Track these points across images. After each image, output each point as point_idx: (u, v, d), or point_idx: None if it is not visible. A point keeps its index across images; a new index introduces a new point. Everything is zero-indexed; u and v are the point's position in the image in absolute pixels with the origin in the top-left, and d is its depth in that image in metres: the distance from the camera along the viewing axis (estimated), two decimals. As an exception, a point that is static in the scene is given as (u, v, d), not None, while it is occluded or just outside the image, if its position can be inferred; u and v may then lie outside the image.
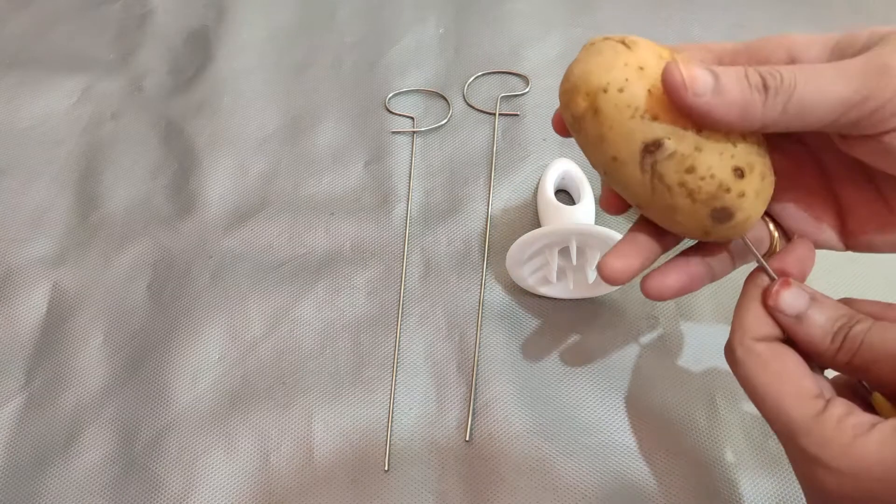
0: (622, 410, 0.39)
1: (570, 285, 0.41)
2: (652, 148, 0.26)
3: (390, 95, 0.54)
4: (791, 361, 0.27)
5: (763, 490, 0.36)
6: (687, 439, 0.37)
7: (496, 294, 0.43)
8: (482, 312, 0.42)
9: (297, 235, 0.47)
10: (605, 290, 0.42)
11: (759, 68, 0.25)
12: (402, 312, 0.43)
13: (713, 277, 0.31)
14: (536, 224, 0.46)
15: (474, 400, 0.39)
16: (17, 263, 0.46)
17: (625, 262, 0.30)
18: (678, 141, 0.26)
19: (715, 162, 0.26)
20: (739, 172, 0.26)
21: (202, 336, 0.43)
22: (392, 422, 0.39)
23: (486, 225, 0.46)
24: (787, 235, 0.31)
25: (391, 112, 0.53)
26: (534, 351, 0.41)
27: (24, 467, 0.39)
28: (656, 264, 0.31)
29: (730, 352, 0.28)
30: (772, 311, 0.28)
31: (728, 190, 0.27)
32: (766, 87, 0.25)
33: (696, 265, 0.30)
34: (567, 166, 0.46)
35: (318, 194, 0.49)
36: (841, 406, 0.26)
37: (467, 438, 0.38)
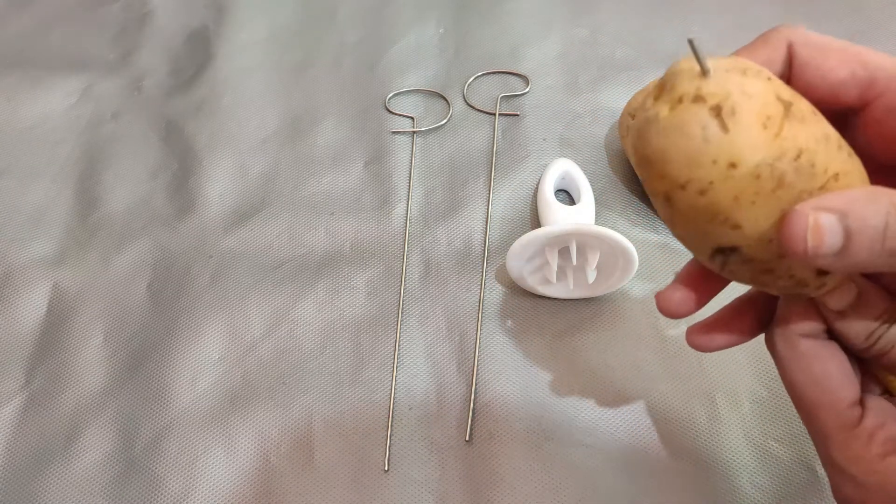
0: (622, 410, 0.39)
1: (570, 285, 0.41)
2: (727, 251, 0.23)
3: (390, 95, 0.54)
4: (834, 366, 0.25)
5: (763, 490, 0.36)
6: (687, 439, 0.37)
7: (496, 294, 0.43)
8: (482, 312, 0.42)
9: (297, 235, 0.47)
10: (605, 290, 0.42)
11: None
12: (402, 312, 0.43)
13: (763, 328, 0.28)
14: (536, 224, 0.46)
15: (474, 400, 0.39)
16: (17, 263, 0.46)
17: (683, 294, 0.27)
18: (759, 250, 0.22)
19: (797, 266, 0.22)
20: (822, 273, 0.23)
21: (202, 336, 0.43)
22: (392, 422, 0.39)
23: (486, 225, 0.46)
24: None
25: (391, 112, 0.53)
26: (534, 351, 0.41)
27: (24, 467, 0.39)
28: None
29: (771, 343, 0.26)
30: (817, 301, 0.25)
31: (806, 285, 0.23)
32: None
33: (749, 321, 0.27)
34: (567, 166, 0.46)
35: (318, 194, 0.49)
36: (875, 417, 0.25)
37: (467, 438, 0.38)
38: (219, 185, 0.49)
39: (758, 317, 0.27)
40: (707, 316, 0.28)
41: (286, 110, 0.54)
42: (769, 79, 0.21)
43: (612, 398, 0.39)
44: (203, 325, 0.43)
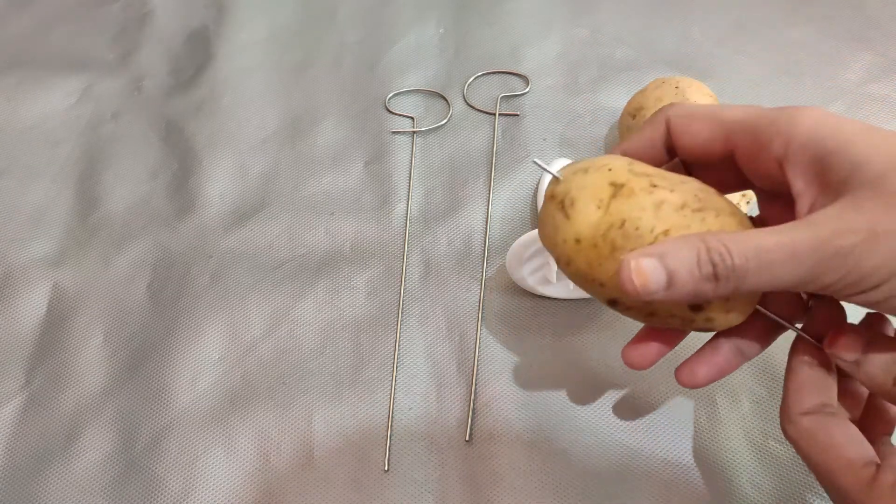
0: (622, 410, 0.39)
1: (570, 285, 0.41)
2: (612, 302, 0.29)
3: (390, 95, 0.54)
4: (838, 432, 0.28)
5: (763, 490, 0.36)
6: (687, 439, 0.37)
7: (496, 294, 0.43)
8: (482, 312, 0.42)
9: (297, 235, 0.47)
10: (604, 290, 0.42)
11: (710, 250, 0.25)
12: (402, 312, 0.43)
13: (746, 358, 0.31)
14: (536, 224, 0.46)
15: (474, 400, 0.39)
16: (17, 263, 0.46)
17: (643, 351, 0.31)
18: (630, 299, 0.28)
19: (671, 306, 0.28)
20: (696, 307, 0.27)
21: (202, 336, 0.43)
22: (392, 422, 0.39)
23: (486, 225, 0.46)
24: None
25: (391, 112, 0.53)
26: (534, 351, 0.41)
27: (24, 467, 0.39)
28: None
29: (783, 429, 0.29)
30: (832, 358, 0.28)
31: (692, 321, 0.28)
32: (716, 276, 0.25)
33: (724, 353, 0.31)
34: (567, 166, 0.47)
35: (318, 194, 0.49)
36: (892, 472, 0.26)
37: (467, 438, 0.38)
38: (219, 185, 0.49)
39: (733, 346, 0.31)
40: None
41: (286, 110, 0.54)
42: (610, 170, 0.28)
43: (612, 398, 0.39)
44: (203, 325, 0.43)
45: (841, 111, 0.51)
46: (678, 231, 0.26)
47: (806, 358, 0.30)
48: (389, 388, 0.40)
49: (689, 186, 0.28)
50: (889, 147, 0.25)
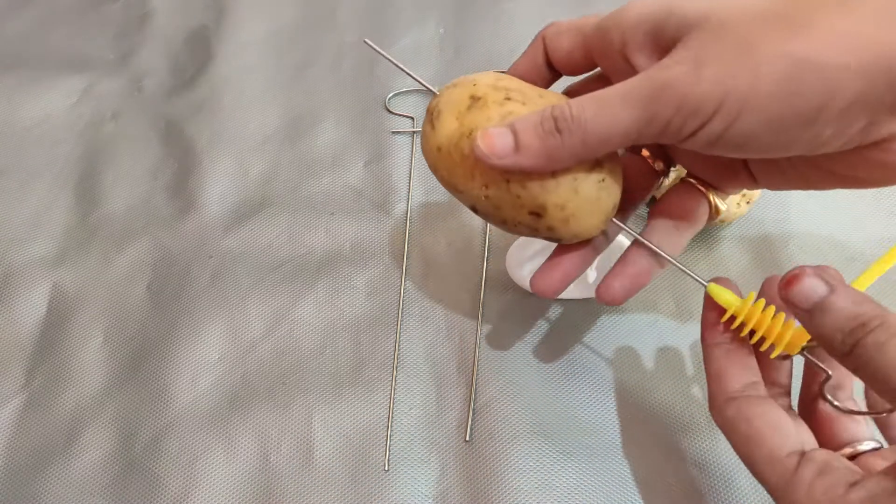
0: (622, 410, 0.39)
1: (570, 285, 0.41)
2: (474, 209, 0.31)
3: (390, 95, 0.54)
4: (759, 421, 0.27)
5: (763, 490, 0.36)
6: (687, 439, 0.37)
7: (496, 294, 0.43)
8: (482, 312, 0.42)
9: (297, 235, 0.47)
10: (604, 290, 0.42)
11: (553, 108, 0.27)
12: (402, 312, 0.43)
13: (659, 266, 0.33)
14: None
15: (474, 400, 0.39)
16: (17, 263, 0.46)
17: (548, 276, 0.33)
18: (482, 204, 0.30)
19: (513, 214, 0.30)
20: (536, 214, 0.29)
21: (202, 336, 0.43)
22: (392, 422, 0.39)
23: (486, 225, 0.46)
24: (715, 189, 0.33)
25: (391, 112, 0.53)
26: (534, 351, 0.41)
27: (24, 467, 0.39)
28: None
29: (713, 419, 0.29)
30: (786, 303, 0.27)
31: (537, 229, 0.30)
32: (559, 130, 0.26)
33: (636, 265, 0.32)
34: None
35: (318, 194, 0.49)
36: (812, 465, 0.26)
37: (467, 438, 0.38)
38: (219, 185, 0.49)
39: (579, 255, 0.33)
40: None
41: (286, 110, 0.54)
42: (474, 84, 0.30)
43: (612, 398, 0.39)
44: (203, 325, 0.43)
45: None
46: None
47: (718, 340, 0.30)
48: (389, 388, 0.40)
49: (546, 101, 0.29)
50: None
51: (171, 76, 0.56)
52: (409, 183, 0.49)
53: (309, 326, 0.43)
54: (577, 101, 0.26)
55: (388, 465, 0.38)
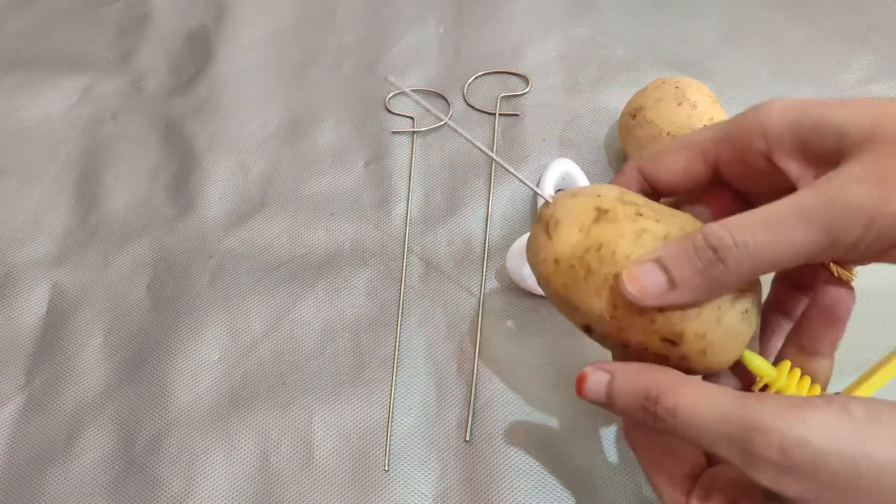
0: (622, 410, 0.39)
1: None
2: (588, 329, 0.29)
3: (390, 95, 0.54)
4: (660, 447, 0.28)
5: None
6: (687, 439, 0.37)
7: (496, 294, 0.43)
8: (482, 312, 0.42)
9: (297, 235, 0.47)
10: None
11: (707, 235, 0.24)
12: (402, 312, 0.43)
13: None
14: (536, 224, 0.46)
15: (474, 400, 0.39)
16: (16, 263, 0.46)
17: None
18: (603, 326, 0.27)
19: (641, 339, 0.27)
20: (671, 341, 0.26)
21: (202, 336, 0.43)
22: (392, 422, 0.39)
23: (486, 225, 0.46)
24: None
25: (391, 112, 0.53)
26: (534, 351, 0.41)
27: (24, 467, 0.39)
28: None
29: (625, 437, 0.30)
30: (587, 400, 0.28)
31: (666, 358, 0.27)
32: (720, 259, 0.24)
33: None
34: (567, 166, 0.46)
35: (318, 194, 0.49)
36: (699, 494, 0.26)
37: (467, 438, 0.38)
38: (219, 185, 0.49)
39: None
40: None
41: (286, 110, 0.54)
42: (599, 196, 0.28)
43: (612, 398, 0.39)
44: (203, 325, 0.43)
45: (841, 111, 0.51)
46: None
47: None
48: (389, 388, 0.40)
49: (678, 220, 0.27)
50: (862, 107, 0.24)
51: (172, 76, 0.56)
52: (409, 183, 0.49)
53: (309, 326, 0.43)
54: (737, 225, 0.24)
55: (388, 465, 0.38)
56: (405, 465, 0.38)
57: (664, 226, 0.26)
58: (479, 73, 0.55)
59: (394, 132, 0.52)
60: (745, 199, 0.29)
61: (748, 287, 0.27)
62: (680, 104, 0.43)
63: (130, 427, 0.40)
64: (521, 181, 0.31)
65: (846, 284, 0.29)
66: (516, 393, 0.39)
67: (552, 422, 0.38)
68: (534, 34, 0.57)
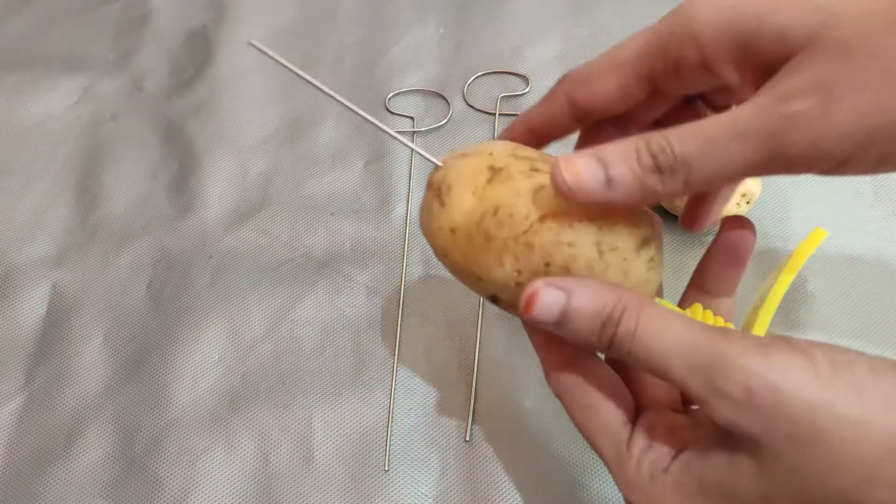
0: (622, 410, 0.39)
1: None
2: (494, 299, 0.27)
3: (390, 95, 0.54)
4: (594, 391, 0.26)
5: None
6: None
7: (496, 294, 0.43)
8: (482, 312, 0.42)
9: (297, 235, 0.47)
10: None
11: (649, 142, 0.23)
12: (402, 312, 0.43)
13: None
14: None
15: (474, 400, 0.39)
16: (16, 263, 0.46)
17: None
18: (509, 294, 0.26)
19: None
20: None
21: (202, 336, 0.43)
22: (392, 422, 0.39)
23: (486, 225, 0.46)
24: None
25: (391, 112, 0.53)
26: (534, 351, 0.41)
27: (24, 467, 0.39)
28: None
29: (549, 386, 0.28)
30: (532, 326, 0.26)
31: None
32: (659, 168, 0.23)
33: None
34: (567, 166, 0.46)
35: (318, 194, 0.49)
36: (642, 440, 0.25)
37: (467, 439, 0.38)
38: (219, 185, 0.49)
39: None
40: None
41: (286, 110, 0.54)
42: (490, 154, 0.26)
43: (612, 398, 0.39)
44: (203, 325, 0.43)
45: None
46: (556, 217, 0.24)
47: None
48: (389, 388, 0.40)
49: None
50: (804, 5, 0.22)
51: (171, 76, 0.56)
52: (409, 183, 0.49)
53: (309, 326, 0.43)
54: (677, 137, 0.22)
55: (388, 466, 0.38)
56: (405, 465, 0.38)
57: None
58: (479, 73, 0.55)
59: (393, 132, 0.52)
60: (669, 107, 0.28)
61: (651, 234, 0.26)
62: (680, 104, 0.43)
63: (130, 427, 0.40)
64: (394, 136, 0.29)
65: (749, 225, 0.29)
66: (517, 393, 0.39)
67: (552, 422, 0.38)
68: (534, 34, 0.57)
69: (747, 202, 0.43)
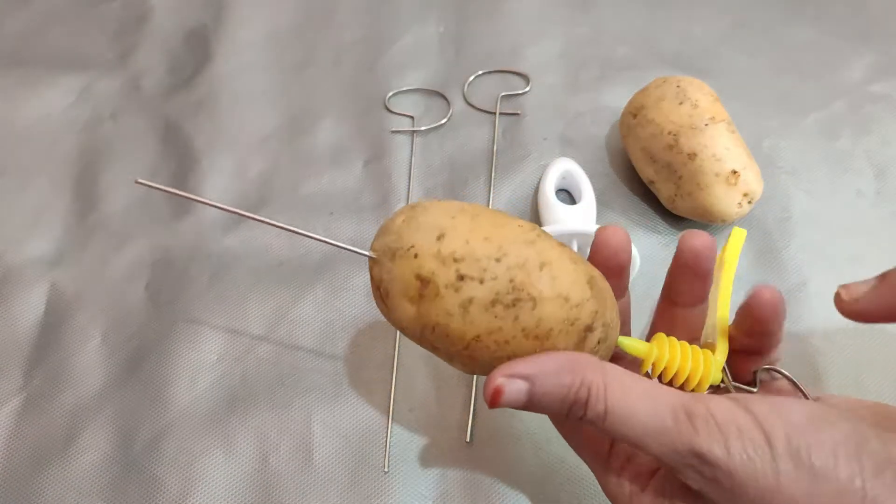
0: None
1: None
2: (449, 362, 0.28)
3: (390, 94, 0.53)
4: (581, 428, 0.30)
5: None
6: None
7: (496, 294, 0.43)
8: (482, 312, 0.42)
9: (296, 235, 0.46)
10: (605, 290, 0.42)
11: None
12: (401, 312, 0.43)
13: None
14: (537, 224, 0.46)
15: (475, 401, 0.39)
16: (15, 263, 0.46)
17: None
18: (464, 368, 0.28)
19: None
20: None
21: (201, 336, 0.42)
22: (392, 422, 0.39)
23: (487, 225, 0.46)
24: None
25: (391, 111, 0.53)
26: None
27: (23, 468, 0.38)
28: None
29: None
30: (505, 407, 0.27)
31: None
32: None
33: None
34: (568, 165, 0.46)
35: (318, 194, 0.49)
36: (622, 452, 0.28)
37: (467, 440, 0.38)
38: (218, 185, 0.49)
39: None
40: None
41: (286, 109, 0.54)
42: (416, 256, 0.26)
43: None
44: (202, 325, 0.43)
45: (842, 110, 0.51)
46: (490, 336, 0.25)
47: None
48: (389, 388, 0.40)
49: (504, 271, 0.25)
50: None
51: (170, 75, 0.56)
52: (409, 183, 0.49)
53: (308, 327, 0.43)
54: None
55: (388, 467, 0.37)
56: (405, 466, 0.37)
57: (488, 287, 0.25)
58: (480, 72, 0.55)
59: (393, 131, 0.52)
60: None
61: (592, 323, 0.26)
62: (681, 103, 0.43)
63: (129, 428, 0.40)
64: (331, 244, 0.29)
65: (704, 238, 0.30)
66: (517, 393, 0.39)
67: (552, 423, 0.38)
68: (534, 33, 0.57)
69: (749, 202, 0.43)
